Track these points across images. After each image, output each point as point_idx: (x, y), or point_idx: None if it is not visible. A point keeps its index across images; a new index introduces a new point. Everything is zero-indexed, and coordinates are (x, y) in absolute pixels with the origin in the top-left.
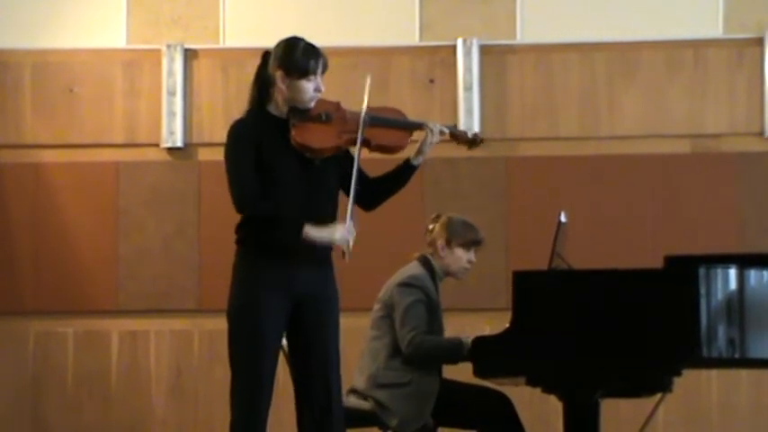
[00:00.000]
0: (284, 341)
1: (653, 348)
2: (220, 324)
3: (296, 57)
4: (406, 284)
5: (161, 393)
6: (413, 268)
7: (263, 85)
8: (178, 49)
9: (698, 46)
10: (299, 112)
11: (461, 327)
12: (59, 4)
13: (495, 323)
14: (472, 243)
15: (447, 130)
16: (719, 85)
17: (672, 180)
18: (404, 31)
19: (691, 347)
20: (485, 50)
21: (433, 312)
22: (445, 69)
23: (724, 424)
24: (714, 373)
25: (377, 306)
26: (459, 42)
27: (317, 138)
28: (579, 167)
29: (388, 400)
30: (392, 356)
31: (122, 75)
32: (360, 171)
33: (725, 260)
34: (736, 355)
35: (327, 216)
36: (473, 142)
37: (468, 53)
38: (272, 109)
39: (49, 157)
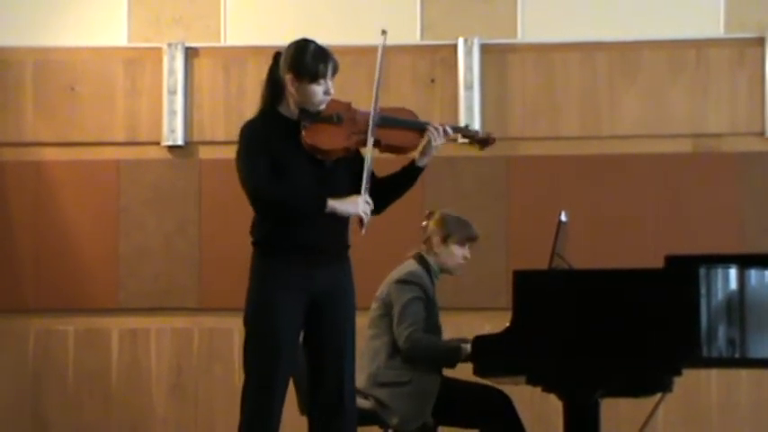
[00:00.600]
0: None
1: (653, 348)
2: (221, 322)
3: (306, 60)
4: (404, 281)
5: (161, 391)
6: (410, 265)
7: (274, 85)
8: (179, 47)
9: (699, 46)
10: (310, 114)
11: (461, 326)
12: (61, 2)
13: (495, 322)
14: (467, 239)
15: (451, 131)
16: (721, 84)
17: (673, 180)
18: (405, 30)
19: (691, 347)
20: (486, 50)
21: (429, 309)
22: (446, 69)
23: (724, 424)
24: (714, 372)
25: (375, 305)
26: (460, 42)
27: (327, 139)
28: (580, 167)
29: (388, 399)
30: (392, 355)
31: (123, 73)
32: (371, 169)
33: (725, 260)
34: (737, 355)
35: (339, 217)
36: (485, 142)
37: (468, 52)
38: (283, 110)
39: (50, 155)
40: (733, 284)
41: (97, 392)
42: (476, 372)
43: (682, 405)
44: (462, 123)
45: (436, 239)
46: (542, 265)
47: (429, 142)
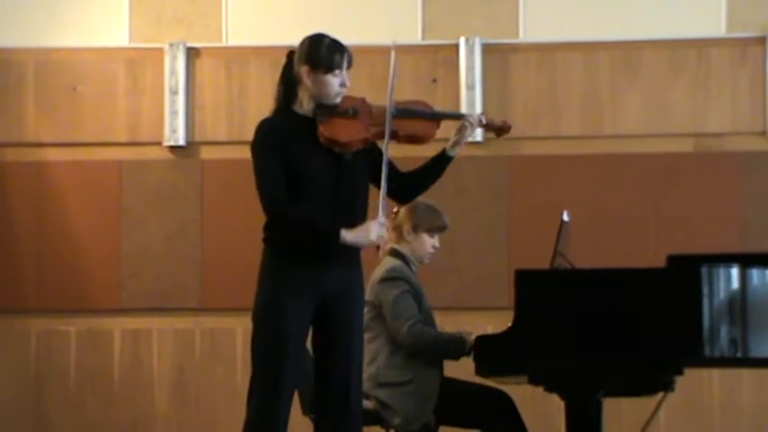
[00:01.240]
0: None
1: (655, 347)
2: (223, 323)
3: (321, 52)
4: (388, 279)
5: (163, 392)
6: (388, 262)
7: (288, 84)
8: (181, 47)
9: (701, 45)
10: (326, 108)
11: (462, 326)
12: (62, 2)
13: (497, 322)
14: (438, 229)
15: (485, 120)
16: (722, 84)
17: (674, 179)
18: (406, 29)
19: (693, 346)
20: (487, 49)
21: (419, 300)
22: (448, 68)
23: (726, 423)
24: (716, 372)
25: (364, 309)
26: (462, 41)
27: (344, 132)
28: (582, 166)
29: (390, 399)
30: (392, 354)
31: (125, 73)
32: (390, 164)
33: (727, 259)
34: (739, 355)
35: (358, 210)
36: (501, 130)
37: (470, 52)
38: (297, 108)
39: (51, 155)
40: (735, 284)
41: (99, 393)
42: (478, 372)
43: (684, 404)
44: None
45: (407, 227)
46: (544, 264)
47: (464, 133)
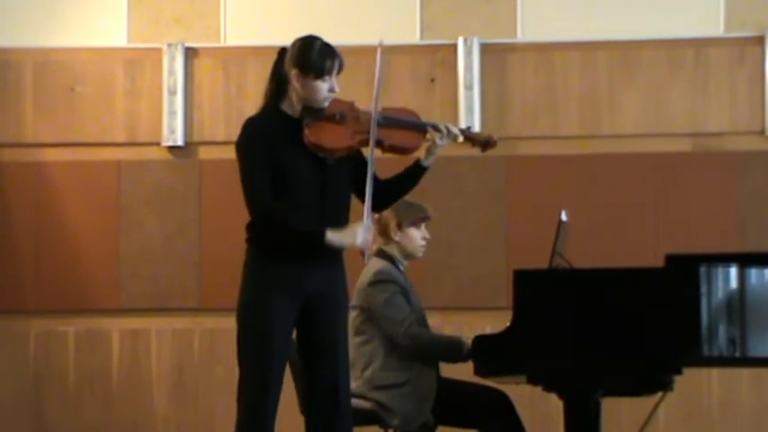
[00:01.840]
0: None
1: (654, 347)
2: (221, 323)
3: (312, 56)
4: (376, 282)
5: (162, 392)
6: (374, 265)
7: (278, 81)
8: (179, 47)
9: (699, 45)
10: (313, 112)
11: (461, 326)
12: (61, 3)
13: (495, 322)
14: (421, 220)
15: (458, 132)
16: (721, 83)
17: (673, 179)
18: (404, 29)
19: (691, 346)
20: (485, 49)
21: (410, 300)
22: (446, 68)
23: (725, 423)
24: (715, 371)
25: (354, 313)
26: (460, 41)
27: (330, 137)
28: (580, 166)
29: (388, 401)
30: (387, 357)
31: (123, 74)
32: (373, 171)
33: (726, 259)
34: (737, 354)
35: (340, 215)
36: (487, 144)
37: (468, 52)
38: (285, 107)
39: (50, 155)
40: (733, 283)
41: (98, 393)
42: (476, 372)
43: (682, 404)
44: (463, 124)
45: (392, 226)
46: (543, 264)
47: (434, 142)
